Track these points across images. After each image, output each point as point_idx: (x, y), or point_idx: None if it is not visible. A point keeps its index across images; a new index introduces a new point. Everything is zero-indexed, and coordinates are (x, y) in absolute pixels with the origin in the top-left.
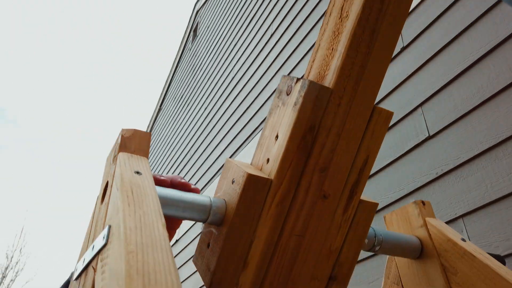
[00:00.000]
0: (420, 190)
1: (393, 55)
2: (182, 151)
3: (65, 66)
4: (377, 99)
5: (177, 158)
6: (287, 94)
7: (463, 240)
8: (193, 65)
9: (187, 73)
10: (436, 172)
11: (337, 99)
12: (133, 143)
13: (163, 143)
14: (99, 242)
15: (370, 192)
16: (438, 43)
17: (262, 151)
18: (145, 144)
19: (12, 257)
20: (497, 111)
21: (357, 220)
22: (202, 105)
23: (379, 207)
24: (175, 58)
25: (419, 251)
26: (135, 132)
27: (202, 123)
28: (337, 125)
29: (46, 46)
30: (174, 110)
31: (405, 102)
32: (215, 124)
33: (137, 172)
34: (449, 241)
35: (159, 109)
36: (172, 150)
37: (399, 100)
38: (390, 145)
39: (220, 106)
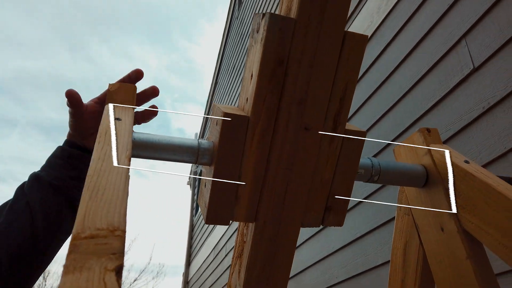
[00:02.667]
0: (468, 128)
1: None
2: None
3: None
4: (417, 39)
5: None
6: (257, 32)
7: (467, 162)
8: (242, 34)
9: (237, 42)
10: (482, 106)
11: (302, 28)
12: (119, 95)
13: None
14: None
15: None
16: None
17: (243, 92)
18: (131, 95)
19: None
20: None
21: (346, 150)
22: None
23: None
24: (224, 28)
25: (424, 179)
26: (121, 86)
27: None
28: (307, 55)
29: None
30: (229, 82)
31: (447, 36)
32: None
33: (117, 119)
34: (452, 164)
35: (215, 83)
36: None
37: (441, 34)
38: (434, 84)
39: None
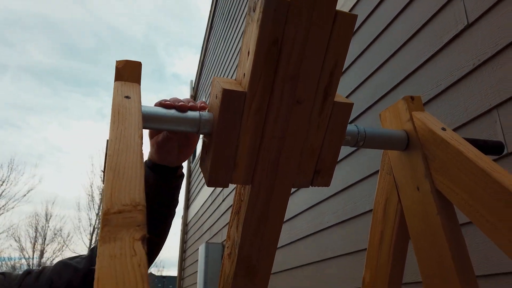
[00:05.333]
0: (457, 84)
1: None
2: (236, 70)
3: None
4: None
5: (232, 77)
6: (253, 11)
7: (443, 129)
8: None
9: None
10: (473, 63)
11: (296, 9)
12: (126, 72)
13: (217, 62)
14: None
15: (410, 90)
16: None
17: (241, 67)
18: (137, 72)
19: None
20: None
21: (334, 120)
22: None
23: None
24: None
25: (405, 144)
26: (127, 63)
27: None
28: (300, 34)
29: None
30: (224, 27)
31: None
32: None
33: (127, 97)
34: (430, 131)
35: (210, 27)
36: (226, 69)
37: None
38: (429, 39)
39: None
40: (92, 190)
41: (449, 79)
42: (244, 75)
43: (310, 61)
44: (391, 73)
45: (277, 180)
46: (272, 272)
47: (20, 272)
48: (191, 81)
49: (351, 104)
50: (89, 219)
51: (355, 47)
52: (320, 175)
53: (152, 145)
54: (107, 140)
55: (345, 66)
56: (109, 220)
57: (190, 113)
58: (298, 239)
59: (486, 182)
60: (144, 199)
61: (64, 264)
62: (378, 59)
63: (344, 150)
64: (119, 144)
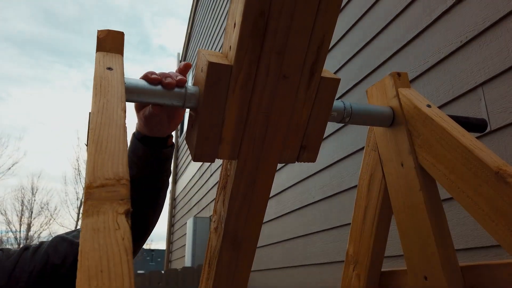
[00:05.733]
0: (444, 61)
1: None
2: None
3: None
4: None
5: (219, 50)
6: None
7: (429, 106)
8: None
9: None
10: (460, 40)
11: None
12: (108, 42)
13: (205, 35)
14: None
15: (397, 67)
16: None
17: (227, 39)
18: (119, 43)
19: None
20: None
21: (321, 96)
22: None
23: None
24: None
25: (390, 120)
26: (109, 33)
27: None
28: (287, 7)
29: None
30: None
31: None
32: None
33: (109, 68)
34: (415, 108)
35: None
36: (214, 42)
37: None
38: (417, 15)
39: None
40: (78, 164)
41: (436, 56)
42: (230, 47)
43: (297, 35)
44: (378, 50)
45: (263, 155)
46: (259, 245)
47: (16, 247)
48: (178, 53)
49: (338, 80)
50: (76, 193)
51: (342, 23)
52: (306, 150)
53: (139, 118)
54: (89, 113)
55: (332, 42)
56: (92, 194)
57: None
58: (285, 214)
59: (467, 159)
60: (128, 173)
61: (61, 238)
62: (365, 35)
63: (331, 126)
64: (101, 118)
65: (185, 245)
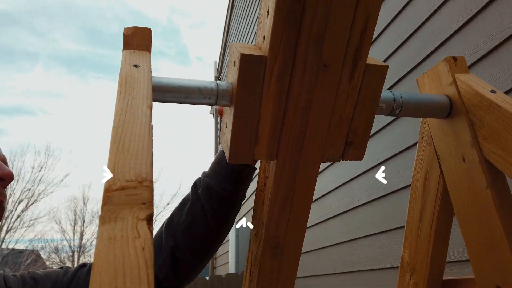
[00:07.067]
0: (499, 48)
1: None
2: None
3: None
4: None
5: None
6: None
7: (493, 91)
8: None
9: None
10: None
11: None
12: (135, 40)
13: (240, 41)
14: None
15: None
16: None
17: (260, 29)
18: (147, 39)
19: None
20: None
21: (366, 86)
22: None
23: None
24: None
25: (447, 110)
26: (136, 30)
27: None
28: None
29: None
30: (246, 5)
31: None
32: None
33: (135, 65)
34: (477, 94)
35: (232, 7)
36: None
37: None
38: (466, 0)
39: None
40: None
41: (489, 43)
42: (264, 38)
43: (338, 19)
44: (425, 39)
45: (304, 154)
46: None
47: (70, 255)
48: (215, 61)
49: (386, 67)
50: None
51: (386, 11)
52: (352, 147)
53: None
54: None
55: (376, 31)
56: (110, 197)
57: (207, 83)
58: (328, 218)
59: None
60: (152, 174)
61: None
62: (411, 24)
63: (380, 121)
64: (125, 115)
65: (228, 251)
